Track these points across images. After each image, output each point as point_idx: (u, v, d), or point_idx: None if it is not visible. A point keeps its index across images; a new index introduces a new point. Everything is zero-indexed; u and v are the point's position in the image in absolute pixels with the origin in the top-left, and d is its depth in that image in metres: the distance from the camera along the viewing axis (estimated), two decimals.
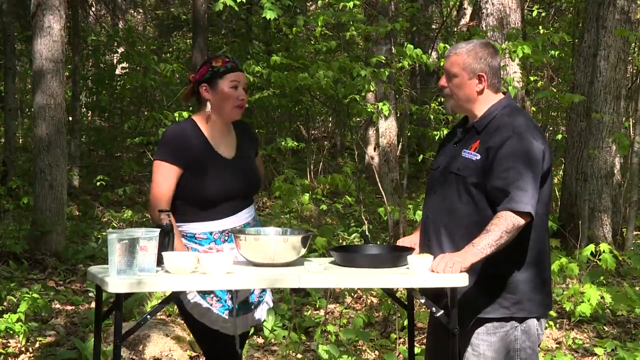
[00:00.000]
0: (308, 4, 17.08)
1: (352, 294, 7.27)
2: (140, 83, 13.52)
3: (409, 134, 9.06)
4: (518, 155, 3.21)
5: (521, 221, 3.17)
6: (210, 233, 3.64)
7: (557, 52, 12.43)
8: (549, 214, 3.53)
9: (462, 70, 3.36)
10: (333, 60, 6.85)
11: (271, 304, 3.90)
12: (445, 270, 3.13)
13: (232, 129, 3.81)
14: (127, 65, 15.29)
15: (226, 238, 3.64)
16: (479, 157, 3.28)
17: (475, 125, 3.39)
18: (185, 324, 3.94)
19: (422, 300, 3.25)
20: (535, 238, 3.31)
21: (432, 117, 8.47)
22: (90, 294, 7.19)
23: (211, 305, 3.63)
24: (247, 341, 4.15)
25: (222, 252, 3.59)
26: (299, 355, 5.72)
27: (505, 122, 3.30)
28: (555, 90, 11.72)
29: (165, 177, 3.61)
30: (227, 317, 3.65)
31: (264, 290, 3.81)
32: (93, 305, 6.28)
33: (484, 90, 3.38)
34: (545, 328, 4.99)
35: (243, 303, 3.72)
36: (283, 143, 11.11)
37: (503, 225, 3.14)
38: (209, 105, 3.71)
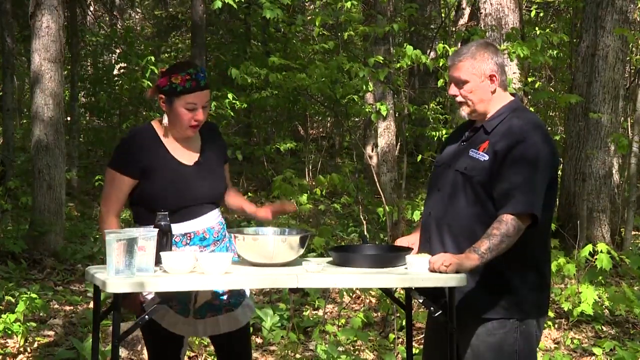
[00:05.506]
0: (306, 3, 17.06)
1: (351, 294, 7.27)
2: (136, 83, 13.49)
3: (407, 134, 9.04)
4: (527, 159, 3.19)
5: (522, 224, 3.16)
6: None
7: (555, 52, 12.42)
8: (552, 217, 3.50)
9: (473, 74, 3.31)
10: (331, 60, 6.84)
11: (253, 307, 3.80)
12: (440, 268, 3.12)
13: (197, 134, 3.61)
14: (125, 65, 15.27)
15: (188, 241, 3.51)
16: (487, 157, 3.26)
17: (484, 125, 3.35)
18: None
19: (421, 300, 3.25)
20: (537, 240, 3.30)
21: (430, 117, 8.47)
22: (89, 294, 7.19)
23: (171, 306, 3.53)
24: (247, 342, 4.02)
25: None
26: (298, 355, 5.72)
27: (515, 125, 3.27)
28: (553, 91, 11.73)
29: (115, 188, 3.50)
30: (185, 319, 3.55)
31: (240, 295, 3.66)
32: (91, 305, 6.28)
33: (496, 90, 3.35)
34: (544, 328, 4.98)
35: (209, 305, 3.59)
36: (282, 143, 11.11)
37: (504, 229, 3.13)
38: (165, 117, 3.55)
